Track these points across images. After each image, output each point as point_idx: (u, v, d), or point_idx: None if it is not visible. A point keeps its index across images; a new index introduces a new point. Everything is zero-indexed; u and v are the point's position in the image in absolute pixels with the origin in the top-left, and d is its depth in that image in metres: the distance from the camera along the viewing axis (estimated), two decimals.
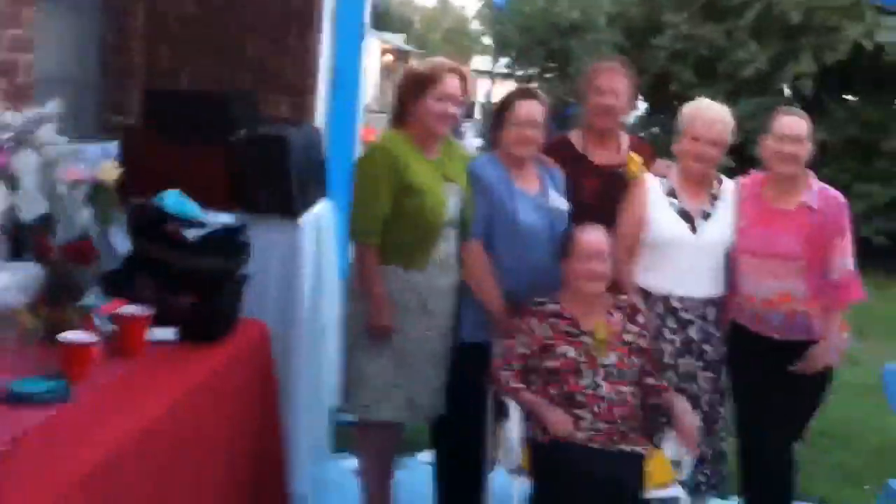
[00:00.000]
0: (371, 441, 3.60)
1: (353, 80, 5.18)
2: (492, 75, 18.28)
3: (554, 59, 13.16)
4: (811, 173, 3.60)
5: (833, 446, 5.06)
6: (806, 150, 3.52)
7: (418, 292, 3.41)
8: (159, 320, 2.72)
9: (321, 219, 3.82)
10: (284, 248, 3.52)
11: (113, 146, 3.25)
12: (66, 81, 3.84)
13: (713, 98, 3.94)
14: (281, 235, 3.50)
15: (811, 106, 11.29)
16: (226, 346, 2.87)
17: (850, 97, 11.53)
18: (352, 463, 3.94)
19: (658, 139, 10.78)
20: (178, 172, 3.19)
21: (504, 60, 15.36)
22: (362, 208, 3.38)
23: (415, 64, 3.81)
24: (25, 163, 2.69)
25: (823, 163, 10.33)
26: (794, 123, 3.55)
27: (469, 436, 3.53)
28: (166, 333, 2.76)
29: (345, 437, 4.02)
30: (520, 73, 14.26)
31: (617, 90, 3.74)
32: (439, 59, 3.67)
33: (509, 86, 15.48)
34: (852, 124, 10.57)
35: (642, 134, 10.41)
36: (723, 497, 3.79)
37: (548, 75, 13.55)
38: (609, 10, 11.83)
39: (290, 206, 3.52)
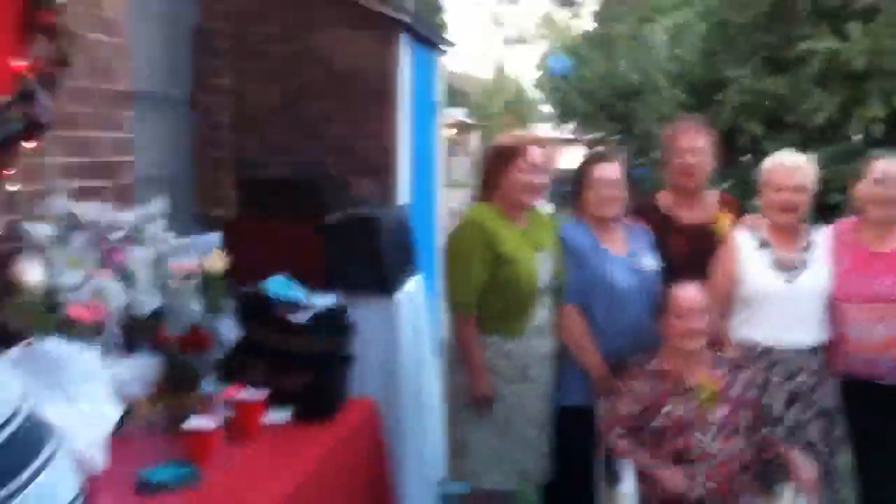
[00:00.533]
0: None
1: (429, 157, 5.30)
2: (558, 142, 18.43)
3: (618, 122, 13.20)
4: None
5: None
6: None
7: (518, 360, 3.44)
8: (272, 402, 2.78)
9: (414, 294, 3.89)
10: (382, 324, 3.59)
11: (214, 237, 3.37)
12: (163, 178, 4.00)
13: (782, 147, 3.94)
14: (379, 313, 3.58)
15: (885, 150, 11.11)
16: (338, 424, 2.92)
17: None
18: None
19: (729, 192, 10.67)
20: (277, 257, 3.29)
21: (568, 126, 15.49)
22: (458, 281, 3.44)
23: (498, 138, 3.87)
24: (138, 259, 2.79)
25: None
26: (891, 168, 3.53)
27: (580, 501, 3.51)
28: (280, 415, 2.82)
29: None
30: (585, 137, 14.33)
31: (697, 149, 3.77)
32: (521, 132, 3.75)
33: (576, 151, 15.58)
34: None
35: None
36: None
37: (613, 138, 13.58)
38: (670, 69, 11.85)
39: (385, 284, 3.60)
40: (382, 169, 4.45)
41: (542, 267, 3.47)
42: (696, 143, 3.78)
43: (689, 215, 3.78)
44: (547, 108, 19.63)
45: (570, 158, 17.58)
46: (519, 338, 3.43)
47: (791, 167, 3.58)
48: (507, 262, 3.39)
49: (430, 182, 5.29)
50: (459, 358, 3.47)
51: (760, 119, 10.75)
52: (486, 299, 3.40)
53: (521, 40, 34.55)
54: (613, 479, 3.32)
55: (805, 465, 3.21)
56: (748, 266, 3.57)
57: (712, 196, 3.90)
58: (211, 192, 4.20)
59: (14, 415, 1.12)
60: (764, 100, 10.65)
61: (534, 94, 30.26)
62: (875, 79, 10.12)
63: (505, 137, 3.73)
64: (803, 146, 10.22)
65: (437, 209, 5.43)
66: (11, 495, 1.08)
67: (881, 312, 3.41)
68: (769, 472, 3.29)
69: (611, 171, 3.60)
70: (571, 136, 15.61)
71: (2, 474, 1.08)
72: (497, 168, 3.49)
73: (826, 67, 10.34)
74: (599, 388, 3.45)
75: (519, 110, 36.94)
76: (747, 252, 3.59)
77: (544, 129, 19.69)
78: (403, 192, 4.69)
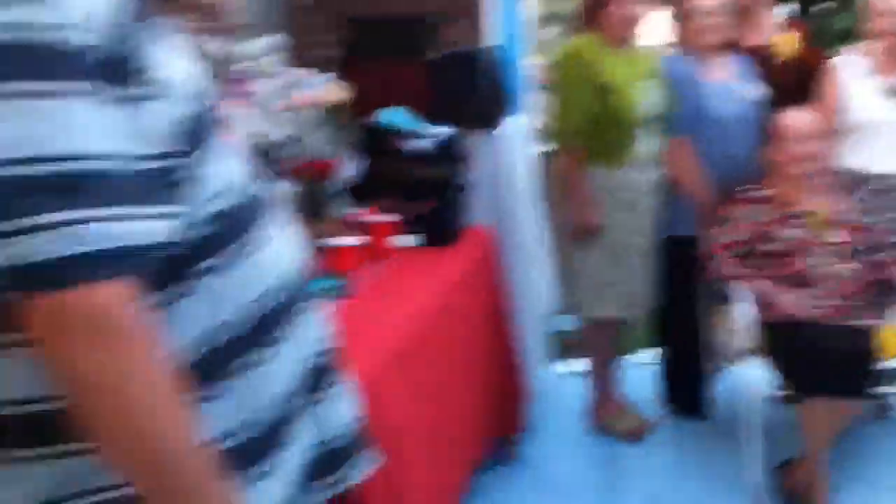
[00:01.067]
0: (593, 340, 3.68)
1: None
2: None
3: None
4: None
5: None
6: None
7: (623, 190, 3.44)
8: (399, 228, 2.87)
9: (515, 130, 3.90)
10: (488, 157, 3.62)
11: (330, 76, 3.38)
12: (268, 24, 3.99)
13: None
14: (484, 146, 3.60)
15: None
16: (461, 249, 3.00)
17: None
18: (570, 366, 4.09)
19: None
20: (384, 95, 3.33)
21: None
22: (563, 112, 3.41)
23: None
24: (263, 90, 2.84)
25: None
26: None
27: (687, 327, 3.61)
28: (409, 240, 2.91)
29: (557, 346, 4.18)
30: None
31: None
32: None
33: None
34: None
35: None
36: None
37: None
38: None
39: (488, 118, 3.61)
40: (470, 8, 4.40)
41: (646, 97, 3.44)
42: None
43: (750, 38, 3.70)
44: None
45: None
46: (624, 168, 3.43)
47: None
48: (611, 91, 3.35)
49: (516, 25, 5.23)
50: (565, 190, 3.49)
51: None
52: (590, 130, 3.38)
53: None
54: (722, 302, 3.39)
55: None
56: (854, 92, 3.53)
57: (767, 17, 3.79)
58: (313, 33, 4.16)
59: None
60: None
61: None
62: None
63: None
64: None
65: (522, 50, 5.37)
66: None
67: None
68: (882, 293, 3.34)
69: None
70: None
71: None
72: (596, 3, 3.44)
73: None
74: (707, 219, 3.49)
75: None
76: (853, 78, 3.55)
77: None
78: (495, 33, 4.65)
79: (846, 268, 3.24)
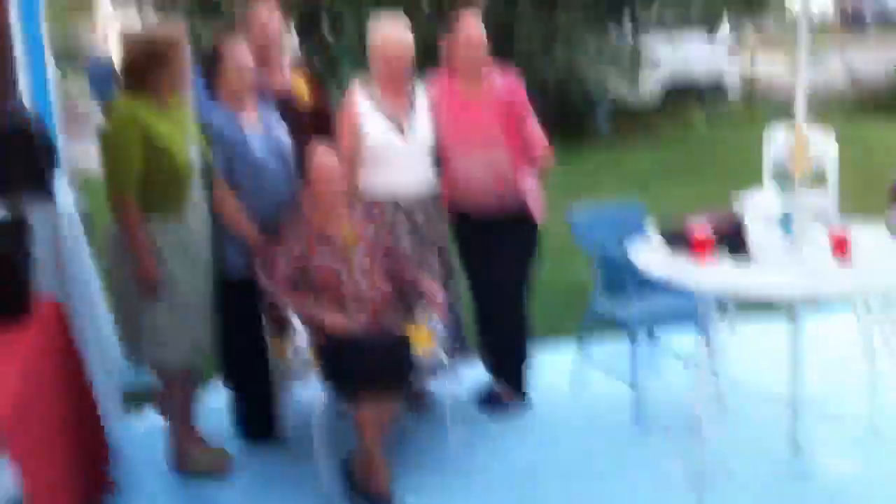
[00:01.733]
0: (165, 389, 3.88)
1: (41, 58, 5.25)
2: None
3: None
4: (489, 63, 4.22)
5: (546, 297, 5.93)
6: (485, 46, 4.16)
7: (180, 240, 3.68)
8: None
9: (66, 198, 4.03)
10: (47, 229, 3.72)
11: None
12: None
13: (357, 16, 4.47)
14: (43, 218, 3.69)
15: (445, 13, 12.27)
16: (35, 320, 3.14)
17: None
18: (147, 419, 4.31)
19: (314, 65, 11.24)
20: None
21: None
22: (119, 171, 3.55)
23: (135, 35, 3.90)
24: None
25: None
26: (472, 23, 4.16)
27: (251, 360, 4.01)
28: None
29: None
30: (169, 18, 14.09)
31: (271, 21, 4.16)
32: (162, 29, 3.87)
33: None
34: (490, 21, 11.60)
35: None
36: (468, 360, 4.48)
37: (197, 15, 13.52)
38: None
39: (43, 190, 3.72)
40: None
41: (192, 149, 3.71)
42: (261, 17, 4.15)
43: (274, 84, 4.16)
44: None
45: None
46: (179, 219, 3.66)
47: (398, 39, 4.08)
48: (163, 152, 3.56)
49: (46, 84, 5.27)
50: (123, 246, 3.61)
51: None
52: (144, 186, 3.55)
53: None
54: (280, 328, 3.84)
55: (433, 289, 3.95)
56: (367, 126, 4.08)
57: (286, 64, 4.30)
58: None
59: None
60: None
61: None
62: None
63: (150, 34, 3.77)
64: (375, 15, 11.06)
65: (55, 113, 5.40)
66: None
67: (480, 152, 4.14)
68: (407, 299, 4.00)
69: (244, 53, 3.90)
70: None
71: None
72: (150, 65, 3.58)
73: None
74: (258, 253, 3.88)
75: None
76: (366, 114, 4.10)
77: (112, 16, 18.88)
78: (27, 96, 4.69)
79: (373, 281, 3.86)
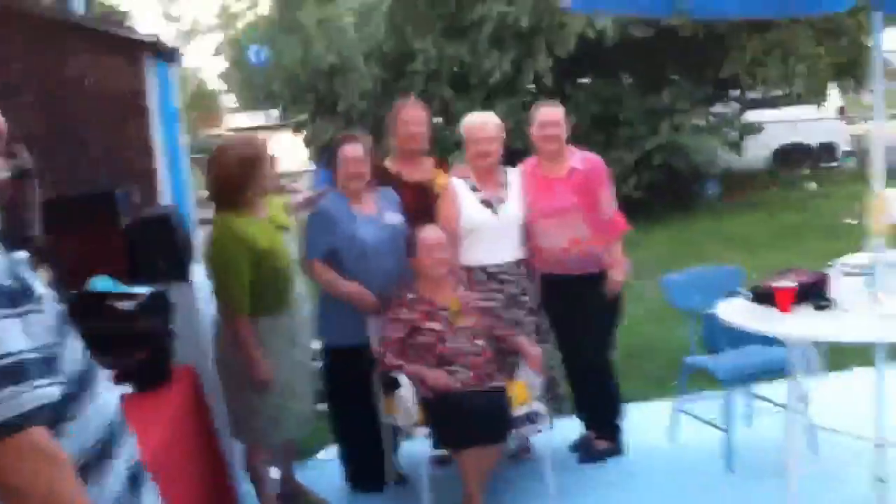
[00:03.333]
0: (264, 456, 4.25)
1: (178, 161, 5.94)
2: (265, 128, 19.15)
3: (322, 102, 14.07)
4: (572, 147, 4.72)
5: (639, 361, 6.26)
6: (563, 130, 4.64)
7: (287, 331, 4.02)
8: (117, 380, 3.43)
9: (199, 279, 4.58)
10: (185, 305, 4.25)
11: (23, 253, 3.83)
12: None
13: (471, 107, 5.04)
14: (181, 295, 4.23)
15: (555, 96, 12.81)
16: (175, 386, 3.63)
17: (585, 81, 13.17)
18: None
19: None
20: (90, 262, 3.91)
21: (267, 113, 16.28)
22: (231, 286, 3.87)
23: (229, 146, 4.11)
24: None
25: (576, 140, 11.78)
26: (550, 111, 4.67)
27: (364, 417, 4.42)
28: (126, 388, 3.48)
29: None
30: (294, 120, 15.07)
31: (419, 120, 4.73)
32: (249, 135, 4.41)
33: (286, 135, 16.26)
34: (593, 104, 12.13)
35: None
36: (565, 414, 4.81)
37: (319, 118, 14.46)
38: (362, 48, 12.82)
39: (182, 271, 4.27)
40: (147, 175, 5.06)
41: (290, 244, 4.11)
42: (417, 115, 4.72)
43: (414, 174, 4.72)
44: (231, 98, 19.87)
45: (279, 142, 18.30)
46: (285, 313, 3.99)
47: (481, 123, 4.64)
48: (265, 255, 3.86)
49: (183, 183, 5.94)
50: (232, 341, 3.92)
51: (448, 83, 12.09)
52: (252, 292, 3.85)
53: (195, 32, 34.24)
54: (391, 388, 4.24)
55: (531, 348, 4.31)
56: (464, 206, 4.55)
57: (428, 160, 4.86)
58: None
59: None
60: (449, 65, 11.97)
61: (215, 84, 30.51)
62: (540, 34, 11.64)
63: (239, 146, 4.02)
64: (487, 102, 11.74)
65: (190, 205, 6.07)
66: None
67: (563, 222, 4.55)
68: (507, 360, 4.37)
69: (357, 149, 4.41)
70: (277, 122, 16.32)
71: None
72: (243, 175, 3.84)
73: (498, 28, 11.77)
74: (369, 309, 4.29)
75: (204, 103, 36.96)
76: (462, 194, 4.58)
77: (239, 119, 20.12)
78: (165, 194, 5.33)
79: (476, 344, 4.23)
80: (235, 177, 3.86)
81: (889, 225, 4.00)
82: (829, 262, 4.22)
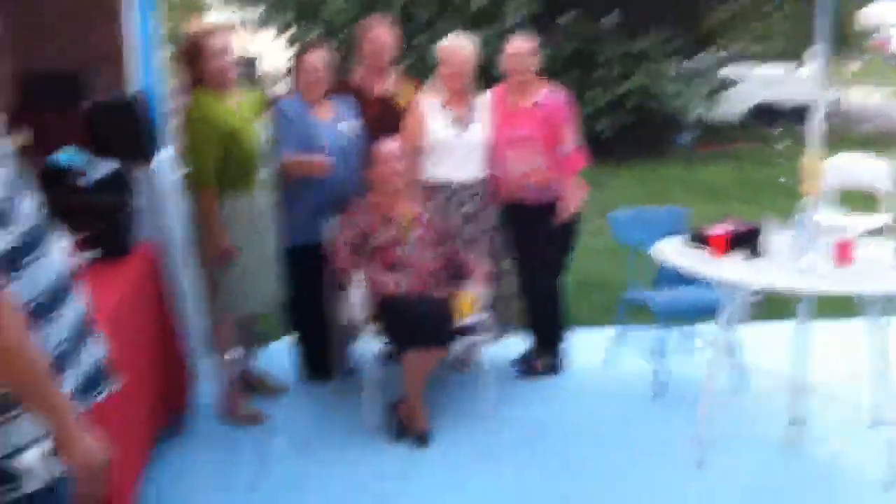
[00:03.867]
0: (228, 328, 4.44)
1: (150, 48, 5.94)
2: (244, 26, 18.86)
3: (305, 7, 13.98)
4: (543, 81, 4.83)
5: (592, 290, 6.46)
6: (532, 62, 4.73)
7: (250, 212, 4.24)
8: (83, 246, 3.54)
9: (163, 161, 4.67)
10: (146, 185, 4.35)
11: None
12: None
13: (451, 30, 5.14)
14: (143, 176, 4.33)
15: (536, 30, 12.80)
16: (134, 259, 3.75)
17: (566, 18, 13.15)
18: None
19: (411, 69, 11.93)
20: (56, 137, 3.98)
21: (254, 11, 16.12)
22: (199, 160, 4.09)
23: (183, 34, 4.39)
24: None
25: (553, 75, 11.85)
26: (520, 43, 4.76)
27: (318, 309, 4.59)
28: (87, 255, 3.60)
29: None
30: (274, 23, 14.95)
31: (385, 37, 4.81)
32: (201, 25, 4.46)
33: (267, 35, 16.13)
34: (573, 41, 12.15)
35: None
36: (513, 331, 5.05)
37: (302, 23, 14.37)
38: None
39: (145, 153, 4.35)
40: (116, 60, 5.06)
41: (259, 133, 4.30)
42: (383, 33, 4.82)
43: (378, 88, 4.83)
44: None
45: (260, 42, 18.14)
46: (248, 195, 4.21)
47: (457, 46, 4.73)
48: (232, 135, 4.09)
49: (155, 71, 5.94)
50: (202, 222, 4.18)
51: (428, 3, 12.05)
52: (218, 169, 4.08)
53: None
54: (343, 286, 4.39)
55: (480, 264, 4.46)
56: (432, 122, 4.68)
57: (394, 75, 4.95)
58: None
59: None
60: None
61: None
62: None
63: (188, 35, 4.25)
64: (468, 27, 11.71)
65: (163, 95, 6.08)
66: None
67: (523, 151, 4.69)
68: (456, 273, 4.51)
69: (318, 58, 4.55)
70: (259, 21, 16.14)
71: None
72: (191, 61, 4.13)
73: None
74: (322, 173, 4.39)
75: None
76: (431, 110, 4.70)
77: (225, 14, 19.84)
78: (135, 81, 5.34)
79: (425, 255, 4.37)
80: (185, 61, 4.18)
81: (816, 186, 4.19)
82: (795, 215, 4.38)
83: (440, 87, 4.80)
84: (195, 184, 4.16)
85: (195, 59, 4.12)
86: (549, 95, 4.80)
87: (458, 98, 4.75)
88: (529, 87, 4.78)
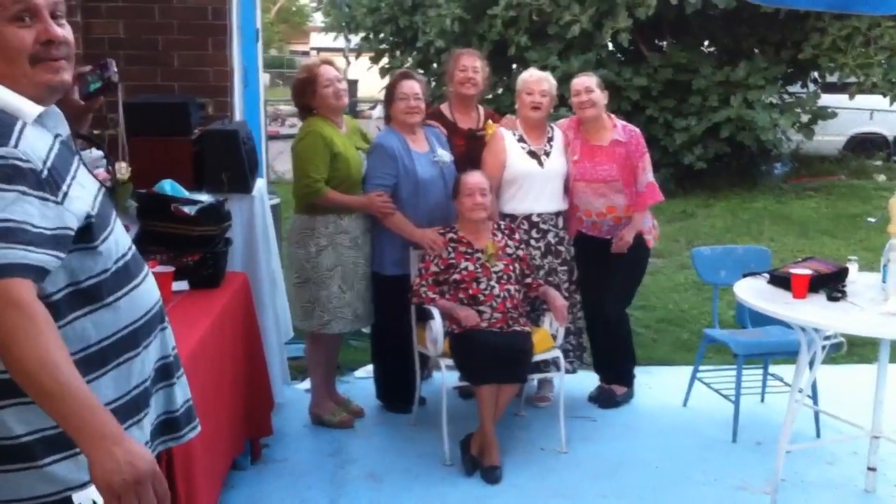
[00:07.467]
0: (322, 349, 4.76)
1: (255, 79, 6.20)
2: (345, 53, 19.33)
3: (402, 35, 14.22)
4: (613, 116, 4.96)
5: (672, 328, 6.47)
6: (597, 97, 4.82)
7: (351, 232, 4.57)
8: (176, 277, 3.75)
9: (261, 191, 4.87)
10: (243, 216, 4.55)
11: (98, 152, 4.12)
12: None
13: (546, 58, 5.26)
14: (240, 207, 4.53)
15: (631, 56, 12.81)
16: (225, 289, 3.93)
17: (663, 45, 13.10)
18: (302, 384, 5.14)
19: (500, 98, 12.10)
20: (157, 167, 4.21)
21: (351, 38, 16.48)
22: (311, 174, 4.46)
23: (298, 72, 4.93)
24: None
25: (645, 104, 11.88)
26: (581, 79, 4.90)
27: (400, 337, 4.72)
28: (181, 285, 3.80)
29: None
30: (372, 50, 15.24)
31: (476, 68, 4.95)
32: (311, 59, 4.79)
33: (363, 62, 16.47)
34: (667, 69, 12.09)
35: (489, 95, 11.68)
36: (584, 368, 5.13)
37: (398, 51, 14.63)
38: None
39: (245, 184, 4.56)
40: (221, 91, 5.31)
41: (362, 161, 4.62)
42: (474, 64, 4.97)
43: (465, 122, 5.00)
44: (320, 18, 20.09)
45: (357, 68, 18.50)
46: (351, 217, 4.57)
47: (538, 78, 4.86)
48: (340, 158, 4.50)
49: (257, 101, 6.20)
50: (305, 234, 4.56)
51: (526, 31, 12.14)
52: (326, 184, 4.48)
53: None
54: (423, 319, 4.52)
55: (557, 298, 4.54)
56: (511, 156, 4.81)
57: (479, 110, 5.13)
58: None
59: None
60: (529, 13, 12.00)
61: (305, 1, 30.79)
62: None
63: (304, 66, 4.75)
64: (563, 54, 11.80)
65: (260, 124, 6.34)
66: None
67: (600, 190, 4.81)
68: (535, 306, 4.61)
69: (414, 86, 4.70)
70: (357, 48, 16.49)
71: None
72: (305, 90, 4.59)
73: None
74: (422, 243, 4.57)
75: (291, 20, 37.39)
76: (509, 144, 4.83)
77: (324, 39, 20.29)
78: (237, 110, 5.59)
79: (506, 289, 4.47)
80: (298, 95, 4.66)
81: None
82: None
83: (516, 119, 4.94)
84: (308, 194, 4.50)
85: (309, 87, 4.55)
86: (625, 132, 4.89)
87: (536, 129, 4.88)
88: (601, 121, 4.88)
